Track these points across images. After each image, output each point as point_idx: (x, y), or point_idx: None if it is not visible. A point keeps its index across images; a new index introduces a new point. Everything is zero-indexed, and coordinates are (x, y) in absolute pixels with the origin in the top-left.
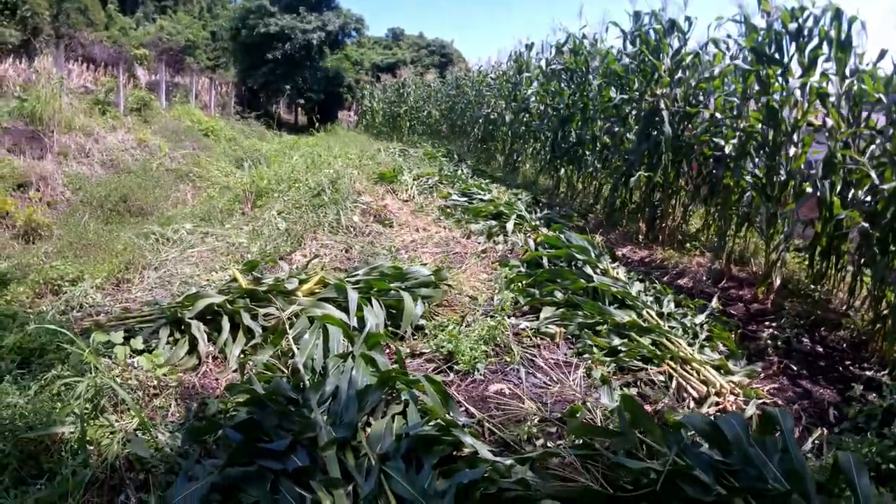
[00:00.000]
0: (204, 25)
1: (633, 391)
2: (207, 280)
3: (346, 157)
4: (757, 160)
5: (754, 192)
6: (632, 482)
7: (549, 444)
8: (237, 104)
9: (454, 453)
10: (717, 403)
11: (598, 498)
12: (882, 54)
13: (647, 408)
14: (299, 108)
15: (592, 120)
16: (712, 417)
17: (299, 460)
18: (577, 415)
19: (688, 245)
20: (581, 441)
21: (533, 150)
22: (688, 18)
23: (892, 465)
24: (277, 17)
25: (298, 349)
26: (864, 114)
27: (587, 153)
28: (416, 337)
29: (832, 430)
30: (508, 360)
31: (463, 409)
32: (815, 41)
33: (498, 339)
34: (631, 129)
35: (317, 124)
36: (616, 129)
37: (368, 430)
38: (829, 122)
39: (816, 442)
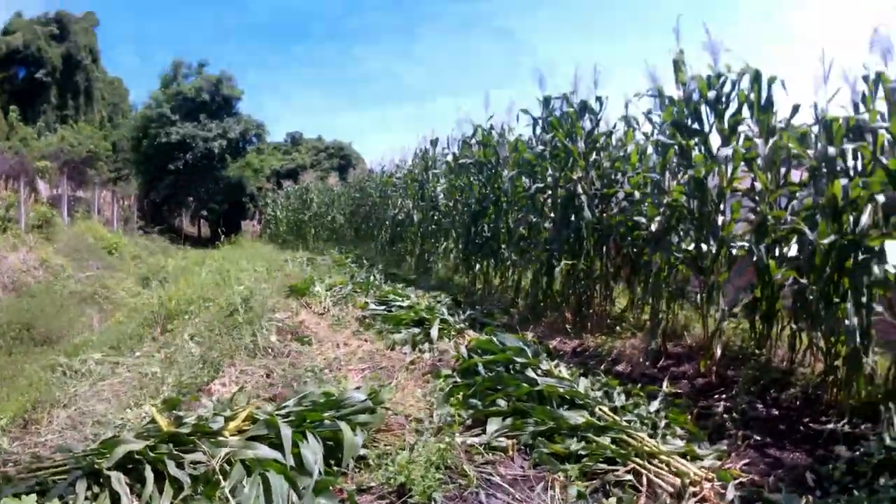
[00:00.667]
0: (105, 136)
1: (611, 501)
2: (122, 419)
3: (254, 270)
4: (683, 234)
5: (685, 266)
6: None
7: None
8: (140, 218)
9: None
10: (696, 494)
11: None
12: (795, 109)
13: None
14: (203, 220)
15: (506, 212)
16: None
17: None
18: None
19: (618, 328)
20: None
21: (445, 249)
22: (598, 98)
23: None
24: (178, 126)
25: None
26: (783, 170)
27: (503, 246)
28: (358, 469)
29: (814, 494)
30: (464, 483)
31: None
32: (735, 106)
33: (449, 460)
34: (547, 218)
35: (221, 237)
36: (532, 218)
37: None
38: (758, 185)
39: None
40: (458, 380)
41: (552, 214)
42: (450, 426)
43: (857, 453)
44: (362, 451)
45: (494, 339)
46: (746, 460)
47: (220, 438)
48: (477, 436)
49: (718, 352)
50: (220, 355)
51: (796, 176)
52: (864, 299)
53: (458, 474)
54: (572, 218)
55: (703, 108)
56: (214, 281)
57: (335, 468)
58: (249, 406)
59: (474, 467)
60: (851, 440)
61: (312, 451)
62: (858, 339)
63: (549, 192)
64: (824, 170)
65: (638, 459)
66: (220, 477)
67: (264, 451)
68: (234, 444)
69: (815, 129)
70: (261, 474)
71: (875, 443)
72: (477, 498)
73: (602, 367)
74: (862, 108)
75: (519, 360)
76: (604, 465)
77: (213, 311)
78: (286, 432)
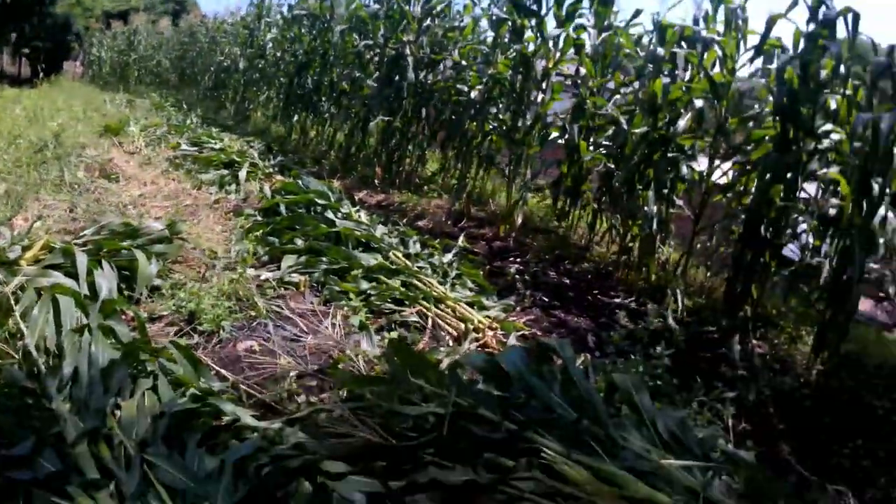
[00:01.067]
0: None
1: (392, 335)
2: None
3: (70, 109)
4: (503, 107)
5: (498, 136)
6: (413, 429)
7: (311, 400)
8: None
9: (215, 424)
10: (477, 339)
11: (382, 451)
12: (636, 13)
13: None
14: (24, 59)
15: (332, 66)
16: (489, 354)
17: (49, 464)
18: (341, 365)
19: (425, 189)
20: (349, 393)
21: (267, 98)
22: None
23: (659, 382)
24: None
25: (27, 328)
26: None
27: (323, 99)
28: (152, 298)
29: (594, 355)
30: (254, 314)
31: (214, 372)
32: None
33: (241, 293)
34: (371, 76)
35: (41, 75)
36: (356, 74)
37: (119, 413)
38: (583, 70)
39: (581, 367)
40: (260, 218)
41: (377, 73)
42: (244, 260)
43: (639, 326)
44: (157, 282)
45: (299, 181)
46: (532, 317)
47: (16, 267)
48: (271, 271)
49: (519, 220)
50: (24, 190)
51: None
52: (665, 191)
53: (248, 306)
54: (396, 78)
55: None
56: (27, 118)
57: (129, 295)
58: (47, 236)
59: (265, 300)
60: (636, 315)
61: (106, 279)
62: (655, 226)
63: (378, 50)
64: (650, 68)
65: (425, 303)
66: (13, 303)
67: (59, 278)
68: (30, 272)
69: (653, 35)
70: (52, 298)
71: (653, 314)
72: (266, 329)
73: (404, 221)
74: (702, 24)
75: (321, 202)
76: (392, 306)
77: (23, 148)
78: (81, 259)
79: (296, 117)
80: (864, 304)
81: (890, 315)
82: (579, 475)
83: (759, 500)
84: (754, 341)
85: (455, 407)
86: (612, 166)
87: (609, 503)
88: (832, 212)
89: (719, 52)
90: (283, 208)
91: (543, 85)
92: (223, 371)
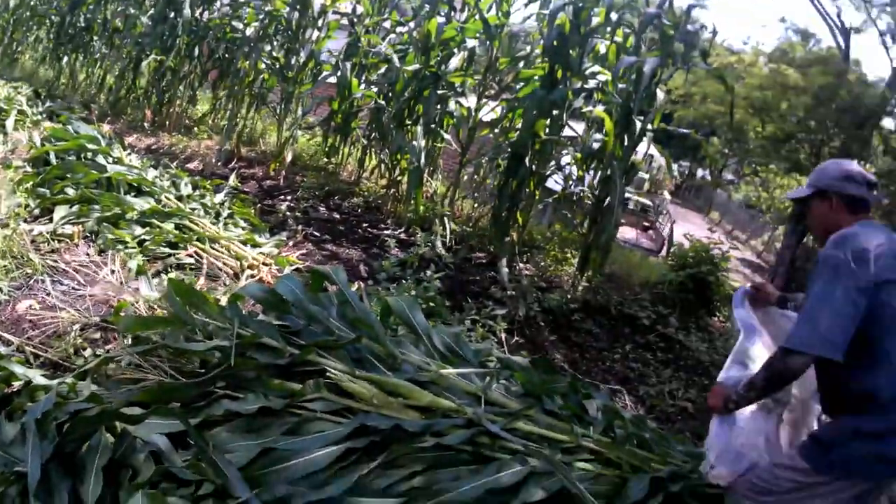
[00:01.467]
0: None
1: (171, 276)
2: None
3: None
4: (278, 45)
5: (270, 74)
6: (202, 365)
7: (98, 353)
8: None
9: (7, 391)
10: (253, 276)
11: (175, 389)
12: None
13: None
14: None
15: (106, 2)
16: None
17: None
18: (123, 312)
19: (195, 130)
20: (135, 338)
21: (36, 39)
22: None
23: (433, 304)
24: None
25: None
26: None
27: (95, 39)
28: None
29: (367, 283)
30: (31, 271)
31: None
32: None
33: (15, 250)
34: (146, 13)
35: None
36: (131, 11)
37: None
38: (360, 9)
39: (356, 293)
40: (29, 169)
41: (152, 10)
42: (16, 215)
43: (409, 253)
44: None
45: (69, 128)
46: (304, 251)
47: None
48: (44, 224)
49: (289, 157)
50: None
51: None
52: (433, 126)
53: (24, 263)
54: (171, 15)
55: None
56: None
57: None
58: None
59: (40, 256)
60: (406, 244)
61: None
62: (423, 160)
63: None
64: (427, 9)
65: (199, 244)
66: None
67: None
68: None
69: None
70: None
71: (423, 240)
72: (43, 286)
73: (175, 163)
74: None
75: (91, 146)
76: (167, 249)
77: None
78: None
79: (66, 59)
80: (631, 233)
81: (654, 242)
82: (365, 390)
83: (538, 398)
84: (522, 264)
85: (239, 338)
86: (383, 103)
87: (397, 413)
88: (595, 146)
89: None
90: (53, 157)
91: (320, 23)
92: (6, 335)
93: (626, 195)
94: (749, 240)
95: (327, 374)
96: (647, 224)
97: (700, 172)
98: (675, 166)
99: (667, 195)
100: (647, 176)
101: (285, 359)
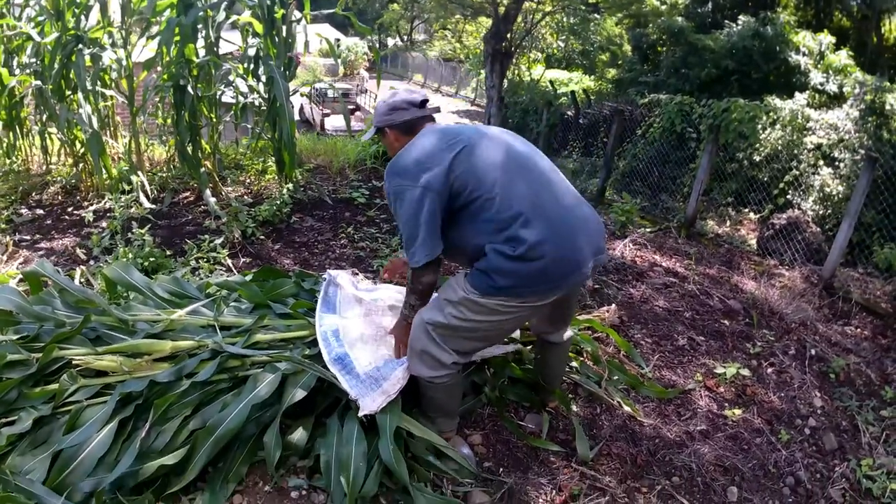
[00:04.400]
0: None
1: None
2: None
3: None
4: None
5: None
6: None
7: None
8: None
9: None
10: None
11: None
12: None
13: None
14: None
15: None
16: None
17: None
18: None
19: None
20: None
21: None
22: None
23: (152, 259)
24: None
25: None
26: None
27: None
28: None
29: (88, 264)
30: None
31: None
32: None
33: None
34: None
35: None
36: None
37: None
38: None
39: (72, 278)
40: None
41: None
42: None
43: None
44: None
45: None
46: (21, 260)
47: None
48: None
49: None
50: None
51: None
52: (91, 86)
53: None
54: None
55: None
56: None
57: None
58: None
59: None
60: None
61: None
62: (95, 124)
63: None
64: None
65: None
66: None
67: None
68: None
69: None
70: None
71: (115, 203)
72: None
73: None
74: None
75: None
76: None
77: None
78: None
79: None
80: (341, 120)
81: (364, 122)
82: (113, 362)
83: (268, 306)
84: (227, 188)
85: None
86: (40, 83)
87: (149, 371)
88: (252, 52)
89: None
90: None
91: None
92: None
93: (323, 85)
94: (459, 91)
95: (74, 362)
96: (352, 107)
97: (391, 41)
98: (362, 42)
99: (364, 73)
100: (338, 61)
101: (34, 366)
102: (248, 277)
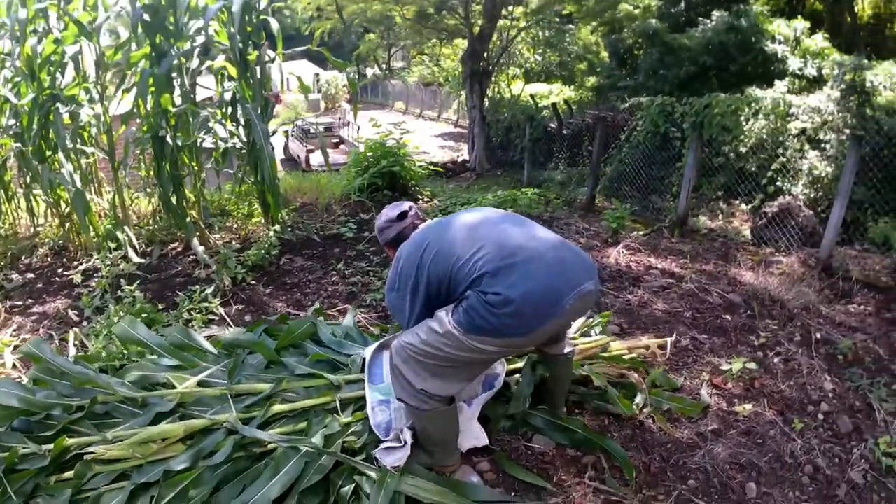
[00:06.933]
0: None
1: None
2: None
3: None
4: None
5: None
6: None
7: None
8: None
9: None
10: None
11: None
12: None
13: None
14: None
15: None
16: None
17: None
18: None
19: None
20: None
21: None
22: None
23: (144, 315)
24: None
25: None
26: None
27: None
28: None
29: (80, 325)
30: None
31: None
32: None
33: None
34: None
35: None
36: None
37: None
38: None
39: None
40: None
41: None
42: None
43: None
44: None
45: None
46: (14, 327)
47: None
48: None
49: None
50: None
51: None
52: (71, 144)
53: None
54: None
55: None
56: None
57: None
58: None
59: None
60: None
61: None
62: (77, 183)
63: None
64: (18, 34)
65: None
66: None
67: None
68: None
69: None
70: None
71: (102, 262)
72: None
73: None
74: None
75: None
76: None
77: None
78: None
79: None
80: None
81: (349, 154)
82: (125, 451)
83: (281, 363)
84: (214, 236)
85: None
86: (19, 145)
87: (163, 454)
88: (228, 96)
89: None
90: None
91: None
92: None
93: (304, 122)
94: (441, 115)
95: (86, 458)
96: (335, 140)
97: (370, 71)
98: (341, 75)
99: (346, 105)
100: (318, 96)
101: (46, 458)
102: (258, 331)
